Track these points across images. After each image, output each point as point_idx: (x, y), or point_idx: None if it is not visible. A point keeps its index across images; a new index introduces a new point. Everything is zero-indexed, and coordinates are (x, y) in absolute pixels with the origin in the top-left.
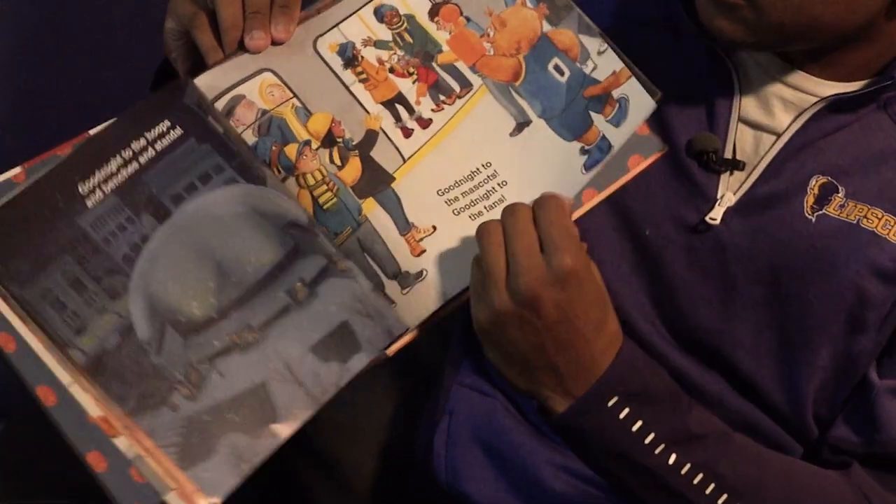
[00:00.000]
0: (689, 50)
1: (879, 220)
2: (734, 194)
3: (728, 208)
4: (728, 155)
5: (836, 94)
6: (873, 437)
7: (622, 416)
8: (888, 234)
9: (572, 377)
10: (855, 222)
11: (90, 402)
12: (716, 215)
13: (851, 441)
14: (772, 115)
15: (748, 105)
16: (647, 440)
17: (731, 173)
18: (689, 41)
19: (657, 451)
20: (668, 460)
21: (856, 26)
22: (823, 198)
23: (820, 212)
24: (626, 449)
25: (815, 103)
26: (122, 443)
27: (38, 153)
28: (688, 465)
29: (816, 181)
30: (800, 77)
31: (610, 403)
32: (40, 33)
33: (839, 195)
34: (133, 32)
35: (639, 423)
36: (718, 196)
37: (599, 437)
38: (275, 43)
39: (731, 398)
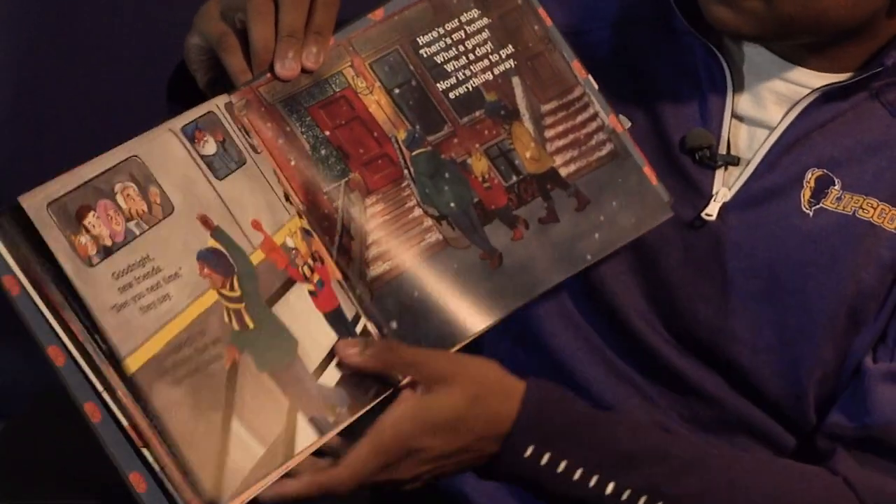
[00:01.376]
0: (682, 46)
1: (875, 209)
2: (730, 190)
3: (724, 204)
4: (722, 150)
5: (827, 85)
6: (865, 421)
7: (544, 461)
8: (883, 223)
9: (485, 452)
10: (851, 213)
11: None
12: (711, 211)
13: (844, 426)
14: (765, 108)
15: (741, 100)
16: (576, 476)
17: (726, 169)
18: (683, 38)
19: (591, 485)
20: (605, 490)
21: (858, 21)
22: (820, 191)
23: (817, 206)
24: (561, 491)
25: (807, 95)
26: (148, 454)
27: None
28: (628, 491)
29: (812, 174)
30: (792, 70)
31: (527, 454)
32: (40, 33)
33: (835, 188)
34: (133, 32)
35: (563, 463)
36: (714, 192)
37: (531, 486)
38: (304, 71)
39: (729, 397)
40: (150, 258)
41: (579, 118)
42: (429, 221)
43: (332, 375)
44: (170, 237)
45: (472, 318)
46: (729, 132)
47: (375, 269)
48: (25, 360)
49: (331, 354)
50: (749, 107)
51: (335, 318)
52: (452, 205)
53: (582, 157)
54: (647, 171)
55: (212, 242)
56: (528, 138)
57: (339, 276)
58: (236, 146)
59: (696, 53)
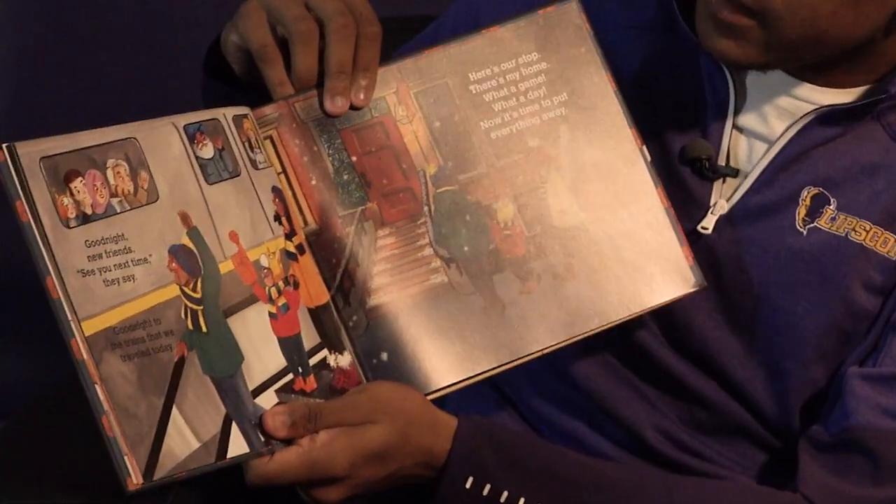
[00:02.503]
0: (686, 54)
1: (867, 232)
2: (727, 202)
3: (720, 217)
4: (722, 162)
5: (830, 106)
6: (842, 425)
7: (486, 492)
8: (875, 246)
9: (413, 479)
10: (843, 235)
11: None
12: (708, 224)
13: (820, 431)
14: (766, 122)
15: (743, 112)
16: None
17: (724, 181)
18: (687, 46)
19: None
20: None
21: (858, 41)
22: (815, 210)
23: (811, 224)
24: None
25: (809, 112)
26: (105, 422)
27: None
28: None
29: (808, 193)
30: (795, 85)
31: (468, 485)
32: (40, 33)
33: (831, 207)
34: (133, 32)
35: (505, 494)
36: (711, 203)
37: None
38: (353, 108)
39: (727, 402)
40: (124, 237)
41: (622, 176)
42: (437, 262)
43: (269, 399)
44: (148, 223)
45: (462, 365)
46: (729, 144)
47: (375, 300)
48: (25, 360)
49: (272, 378)
50: (750, 119)
51: (290, 345)
52: (466, 248)
53: (616, 215)
54: (685, 251)
55: (185, 240)
56: (563, 189)
57: (317, 302)
58: (233, 157)
59: (700, 62)
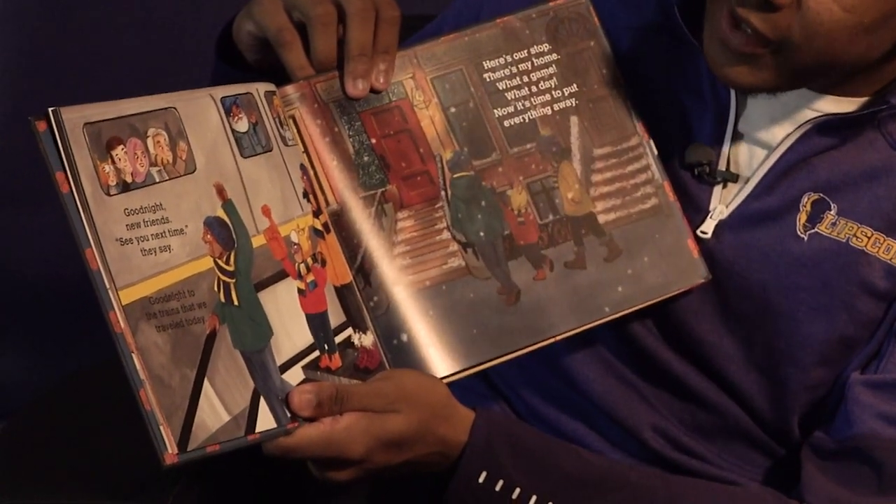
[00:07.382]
0: (688, 57)
1: (868, 238)
2: (727, 207)
3: (720, 222)
4: (722, 167)
5: (830, 115)
6: (846, 432)
7: (498, 488)
8: (878, 252)
9: (428, 468)
10: (845, 241)
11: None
12: (707, 229)
13: (824, 438)
14: (766, 128)
15: (744, 117)
16: (531, 503)
17: (725, 186)
18: (686, 49)
19: None
20: None
21: (869, 63)
22: (816, 215)
23: (812, 230)
24: None
25: (810, 120)
26: (142, 394)
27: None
28: None
29: (808, 198)
30: (797, 92)
31: (481, 480)
32: (41, 33)
33: (831, 213)
34: (135, 32)
35: (517, 490)
36: (711, 208)
37: None
38: (373, 91)
39: (726, 405)
40: (162, 207)
41: (630, 168)
42: (454, 246)
43: (295, 375)
44: (185, 194)
45: (477, 349)
46: (730, 149)
47: (396, 281)
48: (25, 360)
49: (300, 355)
50: (751, 125)
51: (317, 322)
52: (482, 234)
53: (624, 206)
54: (691, 243)
55: (220, 213)
56: (573, 179)
57: (342, 281)
58: (266, 132)
59: (702, 66)
